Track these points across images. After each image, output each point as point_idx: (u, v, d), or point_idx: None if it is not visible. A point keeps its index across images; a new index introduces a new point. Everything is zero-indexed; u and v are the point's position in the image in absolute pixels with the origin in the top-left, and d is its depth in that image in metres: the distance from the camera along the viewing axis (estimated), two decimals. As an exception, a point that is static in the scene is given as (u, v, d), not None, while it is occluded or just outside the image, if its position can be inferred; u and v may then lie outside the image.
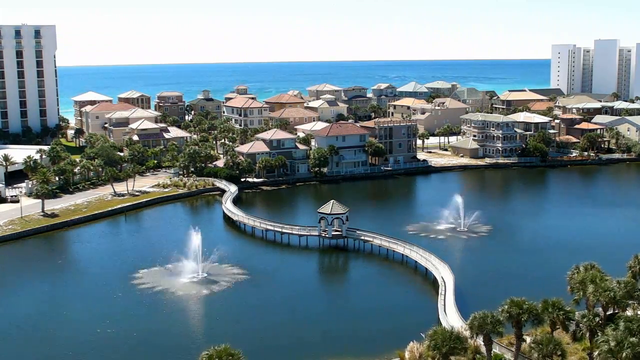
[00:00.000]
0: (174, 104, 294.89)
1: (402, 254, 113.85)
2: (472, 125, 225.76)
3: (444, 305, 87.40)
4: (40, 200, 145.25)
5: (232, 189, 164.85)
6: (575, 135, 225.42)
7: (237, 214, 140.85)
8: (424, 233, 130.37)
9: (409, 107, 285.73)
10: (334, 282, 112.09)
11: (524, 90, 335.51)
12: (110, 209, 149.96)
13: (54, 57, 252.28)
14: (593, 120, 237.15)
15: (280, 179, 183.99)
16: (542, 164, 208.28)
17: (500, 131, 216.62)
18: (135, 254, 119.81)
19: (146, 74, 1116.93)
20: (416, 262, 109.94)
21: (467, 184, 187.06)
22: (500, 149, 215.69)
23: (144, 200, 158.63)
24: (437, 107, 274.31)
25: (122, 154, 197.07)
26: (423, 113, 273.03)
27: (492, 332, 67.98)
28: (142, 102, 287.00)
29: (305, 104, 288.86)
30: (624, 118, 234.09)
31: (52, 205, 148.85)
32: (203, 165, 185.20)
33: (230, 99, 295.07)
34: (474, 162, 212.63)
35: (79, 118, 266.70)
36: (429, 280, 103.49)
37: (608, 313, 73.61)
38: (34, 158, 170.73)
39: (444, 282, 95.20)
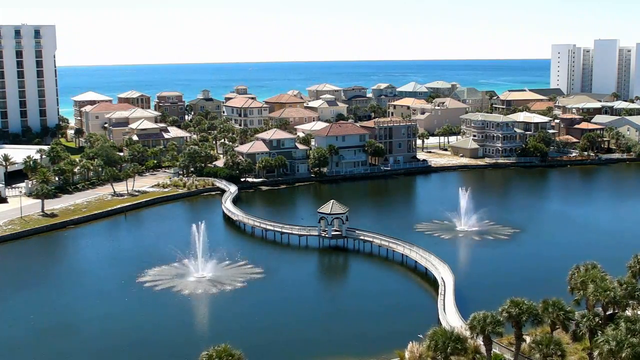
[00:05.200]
0: (174, 104, 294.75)
1: (402, 254, 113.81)
2: (472, 125, 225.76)
3: (444, 305, 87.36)
4: (39, 200, 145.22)
5: (232, 188, 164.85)
6: (575, 135, 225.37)
7: (237, 214, 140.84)
8: (424, 232, 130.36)
9: (408, 107, 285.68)
10: (333, 282, 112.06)
11: (524, 90, 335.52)
12: (109, 209, 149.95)
13: (54, 57, 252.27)
14: (593, 120, 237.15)
15: (280, 179, 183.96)
16: (541, 164, 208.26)
17: (500, 131, 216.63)
18: (135, 253, 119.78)
19: (146, 74, 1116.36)
20: (416, 262, 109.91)
21: (467, 184, 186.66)
22: (500, 149, 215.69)
23: (144, 200, 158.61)
24: (437, 107, 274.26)
25: (122, 154, 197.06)
26: (423, 113, 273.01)
27: (492, 332, 67.91)
28: (142, 102, 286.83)
29: (305, 104, 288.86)
30: (623, 118, 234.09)
31: (52, 205, 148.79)
32: (203, 165, 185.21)
33: (230, 99, 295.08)
34: (473, 162, 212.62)
35: (79, 118, 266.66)
36: (429, 280, 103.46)
37: (608, 313, 73.57)
38: (33, 158, 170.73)
39: (444, 282, 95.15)
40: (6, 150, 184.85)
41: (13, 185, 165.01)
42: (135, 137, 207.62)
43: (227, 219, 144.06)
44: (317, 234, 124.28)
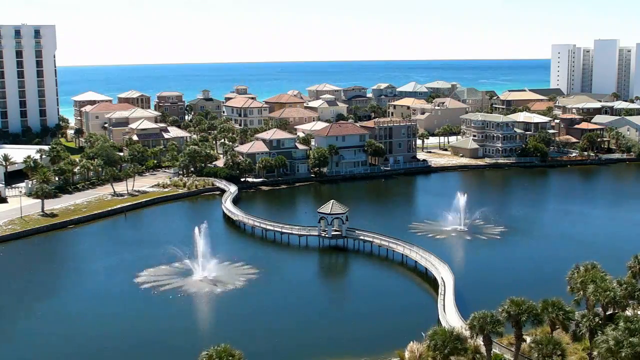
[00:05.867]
0: (174, 104, 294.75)
1: (402, 254, 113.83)
2: (472, 125, 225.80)
3: (444, 305, 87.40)
4: (39, 200, 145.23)
5: (232, 188, 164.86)
6: (575, 135, 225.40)
7: (237, 214, 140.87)
8: (424, 233, 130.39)
9: (408, 107, 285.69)
10: (333, 282, 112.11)
11: (524, 90, 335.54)
12: (109, 208, 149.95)
13: (54, 57, 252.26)
14: (593, 120, 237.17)
15: (280, 179, 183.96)
16: (541, 164, 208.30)
17: (500, 131, 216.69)
18: (135, 253, 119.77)
19: (146, 74, 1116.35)
20: (416, 262, 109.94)
21: (467, 184, 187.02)
22: (500, 149, 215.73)
23: (144, 200, 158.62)
24: (437, 107, 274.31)
25: (122, 154, 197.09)
26: (423, 113, 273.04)
27: (492, 332, 67.95)
28: (142, 102, 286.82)
29: (305, 104, 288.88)
30: (623, 118, 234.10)
31: (52, 205, 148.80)
32: (203, 165, 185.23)
33: (230, 98, 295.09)
34: (473, 162, 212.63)
35: (79, 118, 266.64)
36: (429, 280, 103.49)
37: (608, 313, 73.57)
38: (33, 158, 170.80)
39: (444, 282, 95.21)
40: (6, 150, 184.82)
41: (13, 185, 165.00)
42: (135, 137, 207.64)
43: (227, 219, 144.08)
44: (317, 234, 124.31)
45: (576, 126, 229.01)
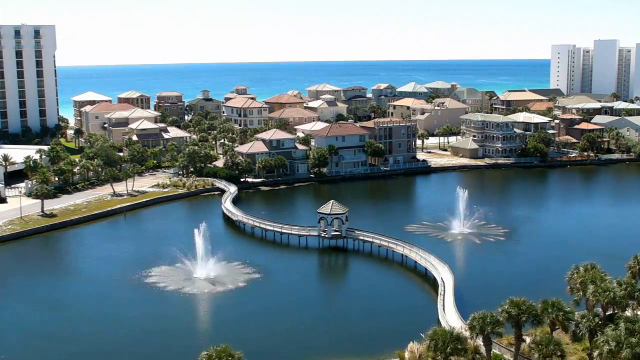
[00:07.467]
0: (174, 104, 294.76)
1: (402, 254, 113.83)
2: (472, 125, 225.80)
3: (444, 305, 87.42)
4: (39, 200, 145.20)
5: (231, 189, 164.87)
6: (574, 136, 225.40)
7: (236, 214, 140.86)
8: (424, 233, 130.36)
9: (408, 107, 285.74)
10: (333, 283, 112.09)
11: (524, 91, 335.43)
12: (109, 209, 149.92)
13: (54, 57, 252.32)
14: (593, 121, 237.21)
15: (280, 179, 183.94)
16: (541, 164, 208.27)
17: (500, 131, 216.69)
18: (134, 254, 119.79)
19: (146, 73, 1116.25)
20: (416, 262, 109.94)
21: (466, 184, 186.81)
22: (499, 149, 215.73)
23: (144, 200, 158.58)
24: (436, 107, 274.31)
25: (121, 154, 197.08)
26: (423, 113, 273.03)
27: (492, 332, 67.95)
28: (142, 102, 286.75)
29: (304, 104, 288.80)
30: (623, 118, 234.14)
31: (52, 205, 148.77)
32: (202, 165, 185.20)
33: (229, 99, 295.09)
34: (473, 162, 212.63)
35: (79, 118, 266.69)
36: (429, 280, 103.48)
37: (608, 313, 73.59)
38: (33, 158, 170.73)
39: (444, 282, 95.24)
40: (6, 150, 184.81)
41: (13, 185, 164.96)
42: (135, 137, 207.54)
43: (227, 219, 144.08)
44: (316, 234, 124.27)
45: (576, 126, 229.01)
